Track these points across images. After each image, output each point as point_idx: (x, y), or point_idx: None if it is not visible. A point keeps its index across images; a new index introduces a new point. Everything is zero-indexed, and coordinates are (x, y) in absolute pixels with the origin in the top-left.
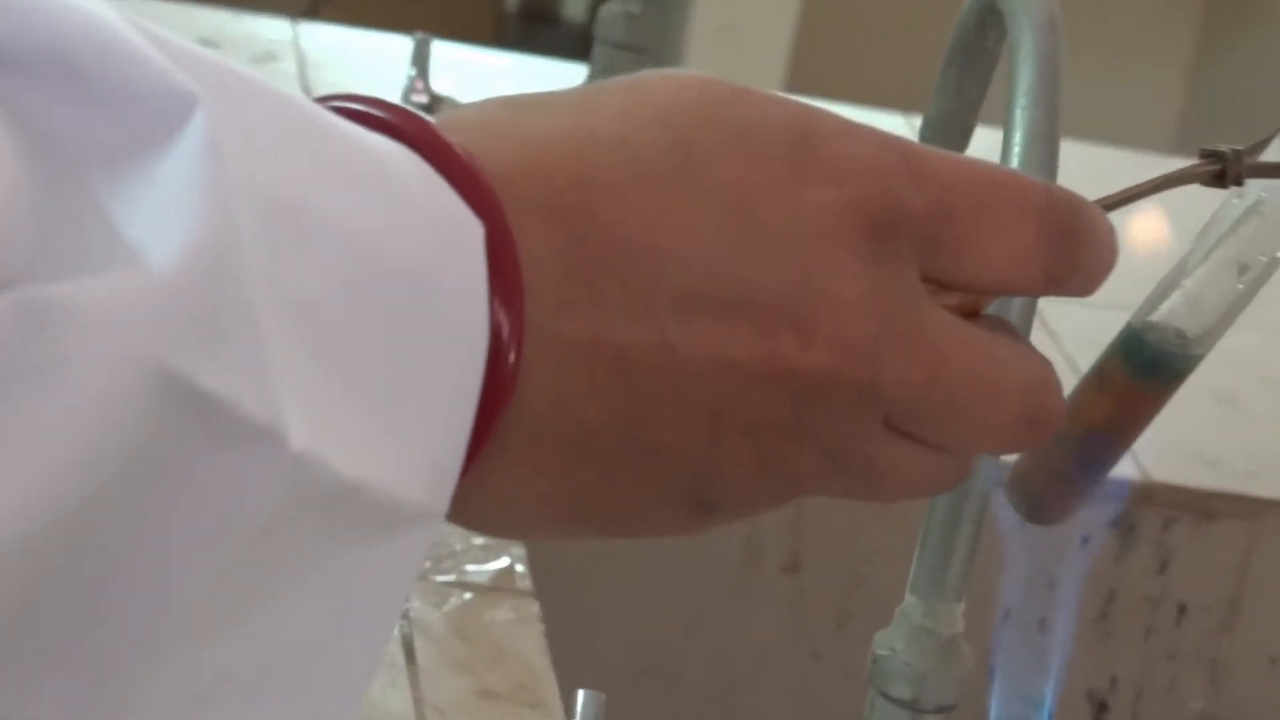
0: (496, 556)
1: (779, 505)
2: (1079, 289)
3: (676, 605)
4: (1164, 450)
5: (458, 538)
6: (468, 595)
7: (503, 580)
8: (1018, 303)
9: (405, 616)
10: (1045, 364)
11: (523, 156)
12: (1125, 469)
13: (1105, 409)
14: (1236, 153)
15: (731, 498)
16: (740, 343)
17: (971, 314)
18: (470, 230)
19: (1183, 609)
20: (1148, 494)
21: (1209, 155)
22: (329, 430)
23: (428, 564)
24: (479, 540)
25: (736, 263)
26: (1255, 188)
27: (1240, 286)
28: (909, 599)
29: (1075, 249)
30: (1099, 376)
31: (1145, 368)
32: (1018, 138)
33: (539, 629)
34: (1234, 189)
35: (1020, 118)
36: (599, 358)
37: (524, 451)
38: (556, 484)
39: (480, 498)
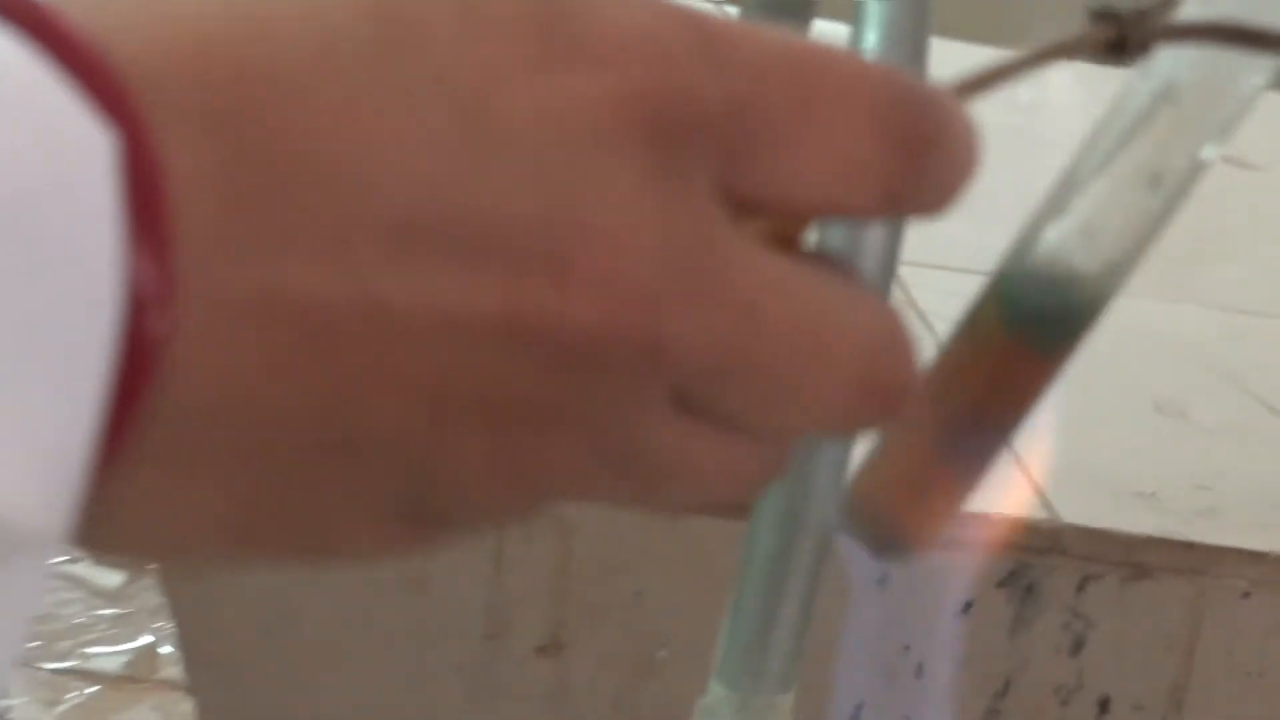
0: (133, 635)
1: (528, 513)
2: (927, 206)
3: (387, 704)
4: (1080, 479)
5: (78, 605)
6: (91, 689)
7: (141, 667)
8: (873, 246)
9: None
10: (890, 315)
11: (172, 41)
12: (1024, 503)
13: (977, 381)
14: (1139, 13)
15: (462, 503)
16: (470, 291)
17: (788, 245)
18: (93, 146)
19: (1104, 705)
20: (1055, 540)
21: (1101, 16)
22: None
23: (35, 644)
24: (108, 609)
25: (464, 181)
26: (1166, 64)
27: (1152, 204)
28: (714, 689)
29: (922, 153)
30: (967, 337)
31: (1027, 322)
32: (871, 33)
33: None
34: (1138, 66)
35: (873, 6)
36: (279, 318)
37: (178, 449)
38: (225, 491)
39: (118, 512)
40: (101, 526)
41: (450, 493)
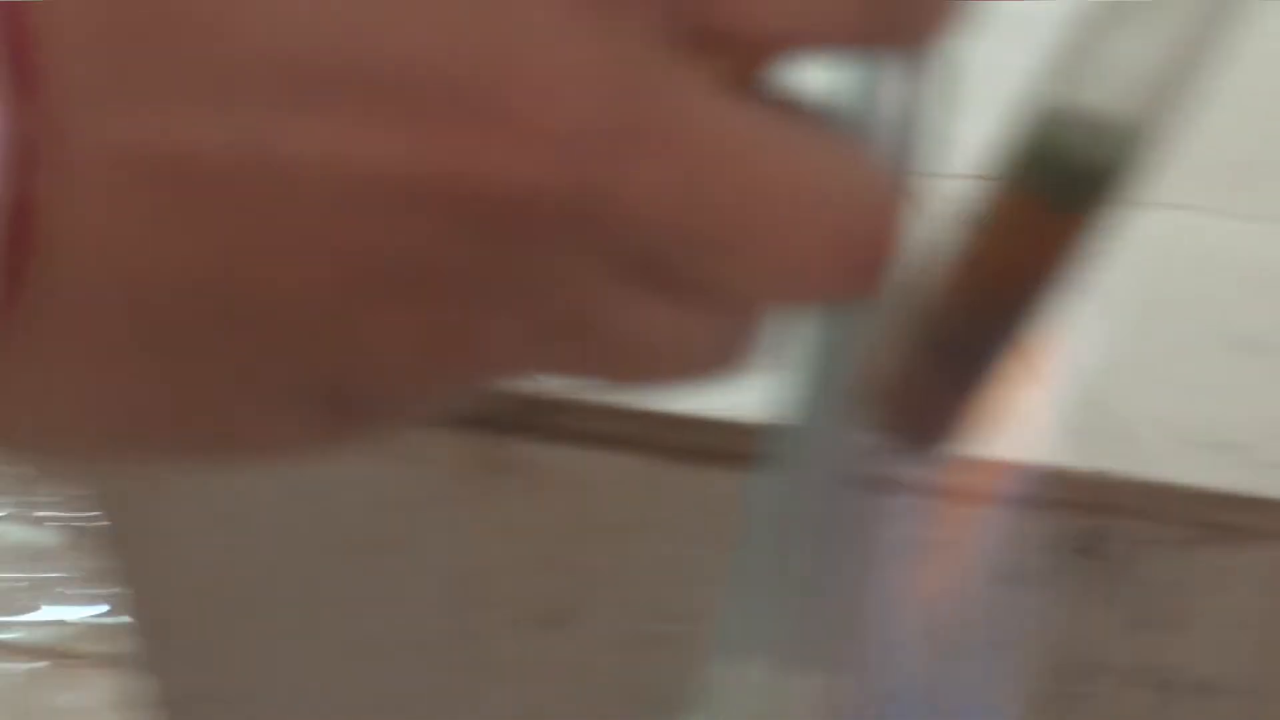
0: (79, 599)
1: (459, 396)
2: (905, 37)
3: (366, 679)
4: (1149, 427)
5: (6, 568)
6: (26, 665)
7: (87, 639)
8: (888, 138)
9: None
10: (868, 167)
11: None
12: (1084, 455)
13: (999, 250)
14: None
15: (382, 385)
16: (379, 146)
17: (747, 88)
18: None
19: (1174, 686)
20: (1121, 498)
21: None
22: None
23: None
24: (46, 572)
25: (369, 21)
26: None
27: (1189, 32)
28: (724, 669)
29: None
30: (987, 201)
31: (1048, 179)
32: None
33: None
34: None
35: None
36: (163, 173)
37: (57, 326)
38: (111, 373)
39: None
40: None
41: (367, 374)
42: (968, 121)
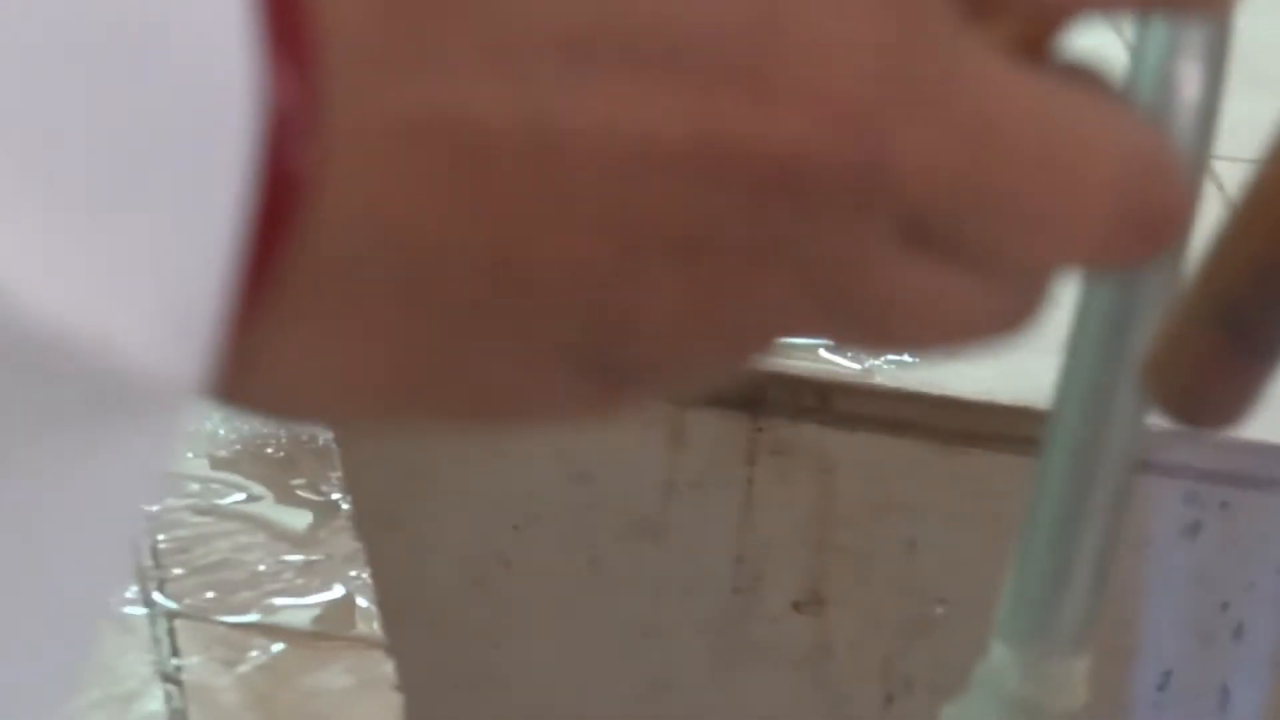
0: (325, 584)
1: (733, 363)
2: (1206, 2)
3: (616, 665)
4: None
5: (260, 550)
6: (277, 646)
7: (335, 621)
8: (1185, 120)
9: (175, 680)
10: (1153, 134)
11: None
12: None
13: (1272, 220)
14: None
15: (653, 354)
16: (658, 112)
17: (1033, 53)
18: None
19: None
20: None
21: None
22: (4, 251)
23: (209, 596)
24: (296, 555)
25: None
26: None
27: None
28: (997, 650)
29: None
30: (1264, 174)
31: None
32: None
33: (395, 701)
34: None
35: None
36: (440, 142)
37: (330, 294)
38: (382, 341)
39: (263, 367)
40: (245, 383)
41: (639, 342)
42: (1247, 101)
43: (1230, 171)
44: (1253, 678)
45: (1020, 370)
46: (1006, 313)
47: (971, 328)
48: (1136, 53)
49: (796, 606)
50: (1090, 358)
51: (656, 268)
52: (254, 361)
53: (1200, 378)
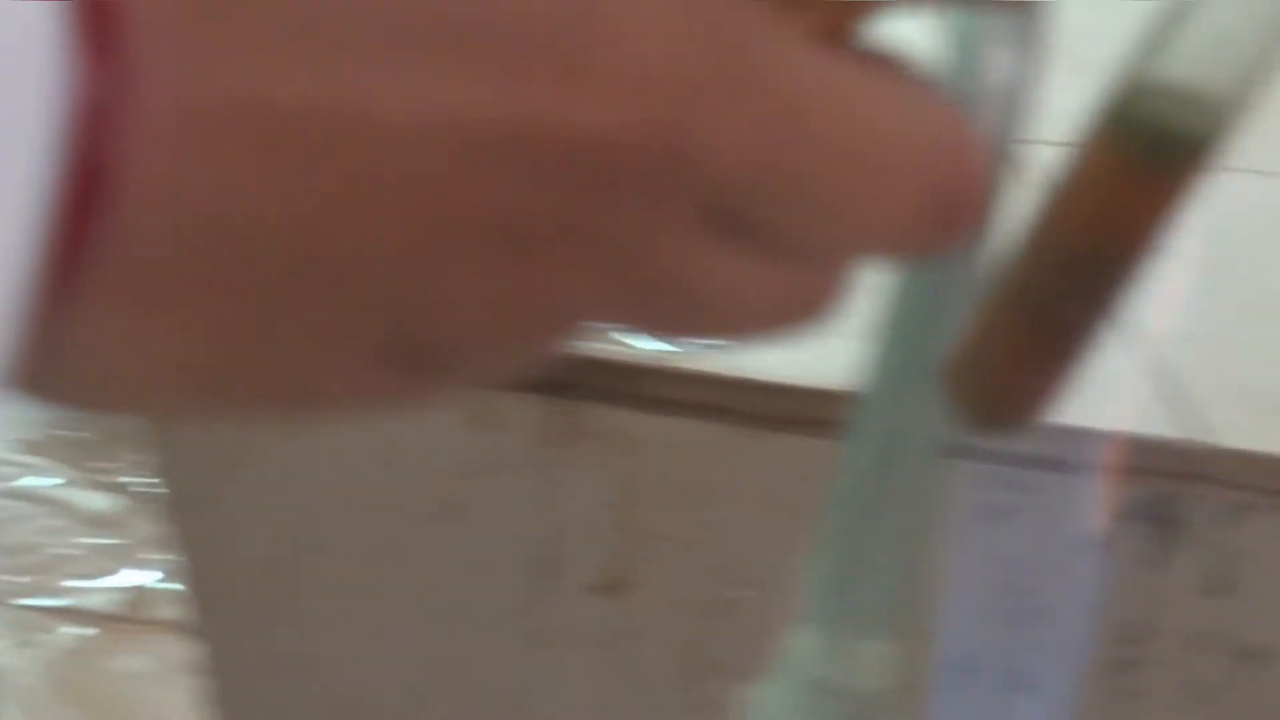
0: (132, 568)
1: (541, 349)
2: None
3: (421, 647)
4: (1233, 392)
5: (63, 534)
6: (83, 630)
7: (136, 605)
8: (994, 105)
9: None
10: (956, 120)
11: None
12: (1166, 421)
13: (1089, 213)
14: None
15: (462, 340)
16: (468, 95)
17: (839, 41)
18: None
19: (1258, 657)
20: (1203, 465)
21: None
22: None
23: (11, 580)
24: (91, 538)
25: None
26: None
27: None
28: (800, 634)
29: None
30: (1081, 164)
31: (1147, 140)
32: None
33: (202, 684)
34: None
35: None
36: (250, 127)
37: (139, 282)
38: (192, 328)
39: (72, 356)
40: (53, 373)
41: (448, 328)
42: (1060, 86)
43: (1051, 157)
44: (1055, 661)
45: (822, 354)
46: (808, 301)
47: (775, 315)
48: (949, 36)
49: (598, 589)
50: (896, 342)
51: (465, 252)
52: (62, 353)
53: (1004, 377)
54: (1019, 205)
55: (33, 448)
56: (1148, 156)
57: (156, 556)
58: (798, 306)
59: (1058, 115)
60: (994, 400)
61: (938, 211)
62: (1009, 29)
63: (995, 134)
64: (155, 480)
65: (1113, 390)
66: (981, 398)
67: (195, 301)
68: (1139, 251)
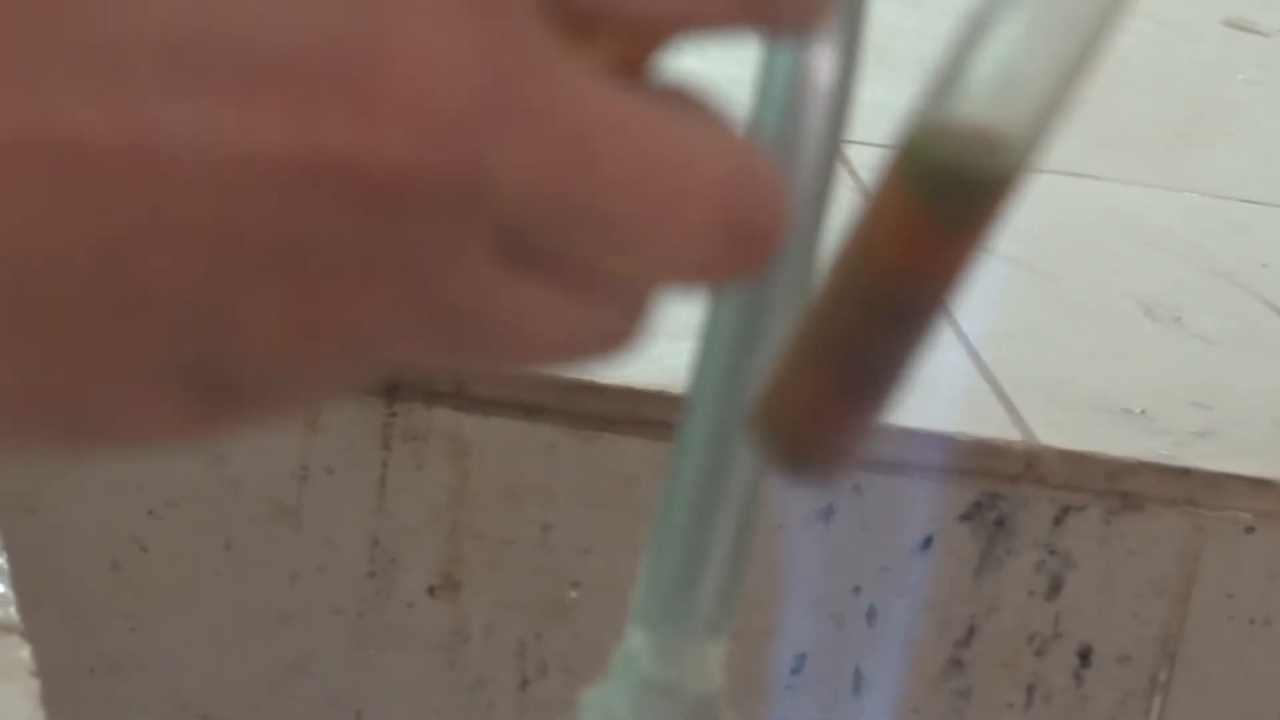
0: None
1: (338, 383)
2: (793, 17)
3: (252, 649)
4: (1057, 394)
5: None
6: None
7: None
8: (817, 118)
9: None
10: (751, 151)
11: None
12: (991, 423)
13: (883, 263)
14: None
15: (260, 371)
16: (256, 126)
17: (633, 74)
18: None
19: (1085, 656)
20: (1029, 466)
21: None
22: None
23: None
24: None
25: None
26: None
27: (1081, 34)
28: (633, 634)
29: None
30: (873, 211)
31: (937, 188)
32: None
33: (32, 687)
34: None
35: None
36: (36, 159)
37: None
38: None
39: None
40: None
41: (244, 359)
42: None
43: (863, 156)
44: (885, 661)
45: (654, 355)
46: (608, 331)
47: (573, 345)
48: (768, 44)
49: (432, 590)
50: (723, 344)
51: (260, 283)
52: None
53: (807, 425)
54: (844, 206)
55: None
56: (944, 202)
57: None
58: (596, 336)
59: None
60: (798, 447)
61: (732, 243)
62: (830, 31)
63: (821, 137)
64: None
65: (935, 391)
66: (786, 444)
67: None
68: (940, 294)
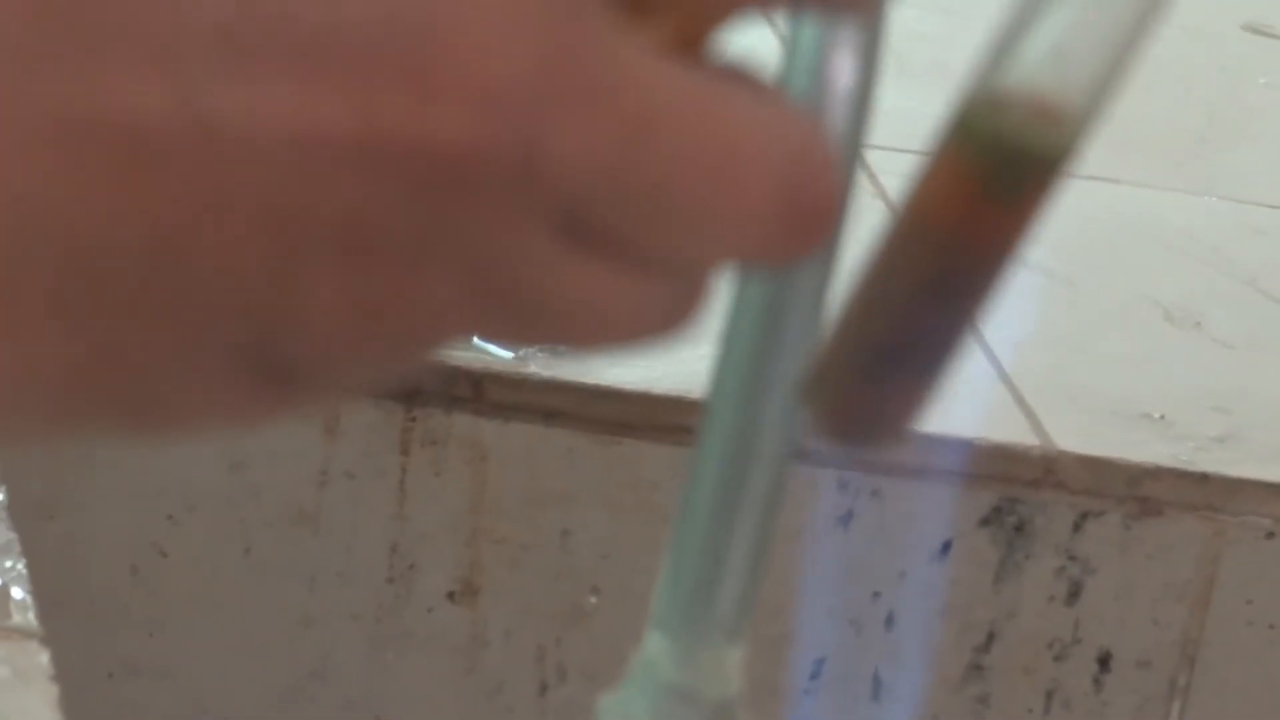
0: None
1: (399, 362)
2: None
3: (272, 654)
4: (1077, 400)
5: None
6: None
7: None
8: (837, 119)
9: None
10: (809, 130)
11: None
12: (1011, 428)
13: (935, 239)
14: None
15: (317, 353)
16: (316, 107)
17: (691, 52)
18: None
19: (1104, 661)
20: (1048, 471)
21: None
22: None
23: None
24: None
25: None
26: None
27: (1136, 9)
28: (651, 639)
29: None
30: (923, 190)
31: (991, 163)
32: None
33: (51, 692)
34: None
35: None
36: (93, 139)
37: None
38: (38, 345)
39: None
40: None
41: (302, 341)
42: (907, 94)
43: (883, 161)
44: (904, 666)
45: (674, 361)
46: (667, 312)
47: (632, 326)
48: (790, 44)
49: (451, 596)
50: (744, 348)
51: (319, 264)
52: None
53: (863, 395)
54: (862, 212)
55: None
56: (1000, 175)
57: (6, 564)
58: (656, 317)
59: (891, 119)
60: (854, 417)
61: (791, 221)
62: (850, 34)
63: (841, 140)
64: (2, 486)
65: (954, 396)
66: (842, 414)
67: (38, 319)
68: (995, 270)
